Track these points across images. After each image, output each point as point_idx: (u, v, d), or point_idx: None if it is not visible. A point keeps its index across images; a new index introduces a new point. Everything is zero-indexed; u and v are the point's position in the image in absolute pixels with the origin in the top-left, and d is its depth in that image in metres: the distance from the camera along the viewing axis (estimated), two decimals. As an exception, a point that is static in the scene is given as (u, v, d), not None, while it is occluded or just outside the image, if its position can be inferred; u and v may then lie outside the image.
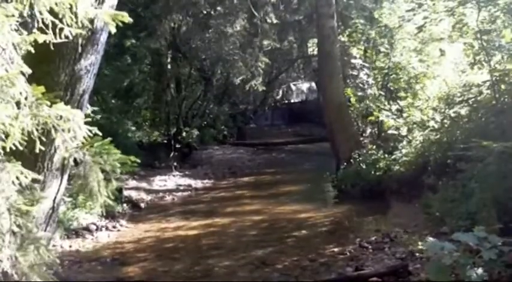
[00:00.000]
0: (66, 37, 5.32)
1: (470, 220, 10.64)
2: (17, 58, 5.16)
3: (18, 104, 5.30)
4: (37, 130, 5.68)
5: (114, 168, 7.47)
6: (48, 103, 5.36)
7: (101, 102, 20.67)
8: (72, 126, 6.14)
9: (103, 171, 6.80)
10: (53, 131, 6.10)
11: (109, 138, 6.97)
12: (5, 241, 5.94)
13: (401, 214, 14.21)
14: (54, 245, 12.03)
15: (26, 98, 5.26)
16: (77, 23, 5.32)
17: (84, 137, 6.22)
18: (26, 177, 6.02)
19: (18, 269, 6.28)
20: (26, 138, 5.93)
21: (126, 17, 5.40)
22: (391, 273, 10.28)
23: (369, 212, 14.78)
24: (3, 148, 5.80)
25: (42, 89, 5.17)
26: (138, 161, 8.86)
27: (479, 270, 7.98)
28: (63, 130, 5.95)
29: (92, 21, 5.64)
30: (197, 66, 26.18)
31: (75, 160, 6.46)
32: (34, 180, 6.59)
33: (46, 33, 5.12)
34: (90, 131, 6.08)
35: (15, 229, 6.18)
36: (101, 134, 6.84)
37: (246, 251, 12.47)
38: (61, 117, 5.80)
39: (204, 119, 26.59)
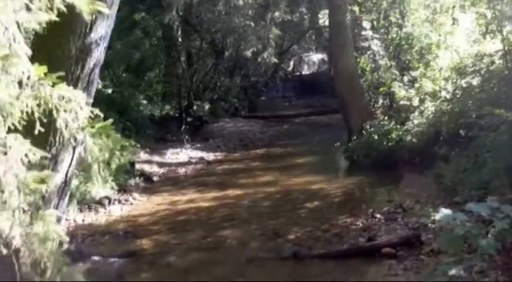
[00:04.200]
0: (75, 11, 5.30)
1: (482, 190, 10.64)
2: (20, 37, 5.14)
3: (20, 83, 5.30)
4: (42, 109, 5.69)
5: (113, 151, 7.52)
6: (51, 83, 5.34)
7: (112, 76, 20.66)
8: (74, 106, 6.15)
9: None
10: (54, 112, 6.11)
11: (110, 120, 6.98)
12: (15, 219, 5.97)
13: (414, 184, 14.19)
14: (67, 219, 12.08)
15: (28, 78, 5.25)
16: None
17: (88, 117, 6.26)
18: (34, 154, 6.04)
19: (28, 245, 6.32)
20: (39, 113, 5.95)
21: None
22: (403, 243, 10.31)
23: (381, 182, 14.77)
24: (13, 125, 5.83)
25: (44, 68, 5.15)
26: (138, 145, 8.89)
27: (492, 240, 7.98)
28: (64, 111, 5.97)
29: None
30: (208, 39, 26.06)
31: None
32: (45, 156, 6.62)
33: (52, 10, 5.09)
34: (92, 111, 6.09)
35: (25, 207, 6.22)
36: (102, 115, 6.85)
37: (258, 222, 12.51)
38: (63, 97, 5.81)
39: (215, 92, 26.53)
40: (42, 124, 6.38)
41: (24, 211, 6.24)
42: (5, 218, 5.85)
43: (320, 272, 9.80)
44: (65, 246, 7.28)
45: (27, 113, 5.87)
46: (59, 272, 6.87)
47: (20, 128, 6.01)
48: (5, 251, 5.97)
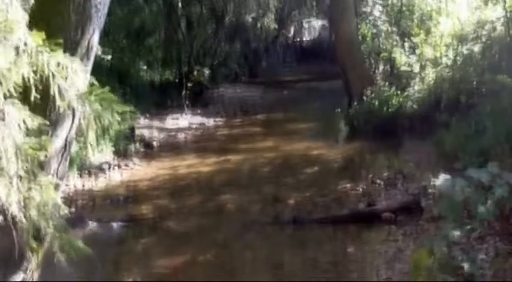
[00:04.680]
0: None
1: (483, 156, 10.62)
2: (17, 3, 5.09)
3: (17, 50, 5.26)
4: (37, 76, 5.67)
5: (113, 118, 7.49)
6: (48, 50, 5.29)
7: (112, 43, 20.54)
8: (71, 73, 6.11)
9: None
10: (50, 78, 6.08)
11: (107, 87, 6.95)
12: (12, 185, 5.97)
13: (414, 151, 14.20)
14: (67, 185, 12.08)
15: (25, 45, 5.21)
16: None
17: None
18: (32, 121, 6.02)
19: (26, 212, 6.32)
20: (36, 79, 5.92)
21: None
22: (403, 208, 10.34)
23: (381, 148, 14.77)
24: (10, 91, 5.80)
25: (42, 35, 5.10)
26: (136, 110, 8.85)
27: (491, 207, 7.99)
28: (61, 77, 5.94)
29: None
30: (208, 5, 25.90)
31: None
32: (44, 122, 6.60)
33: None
34: (90, 78, 6.07)
35: (23, 173, 6.21)
36: (97, 84, 6.82)
37: (258, 187, 12.53)
38: (59, 64, 5.77)
39: (215, 58, 26.42)
40: (41, 90, 6.37)
41: (21, 178, 6.24)
42: (2, 185, 5.84)
43: (319, 237, 9.85)
44: (65, 211, 7.29)
45: (24, 79, 5.84)
46: (57, 239, 6.89)
47: (17, 94, 6.00)
48: (1, 218, 5.97)
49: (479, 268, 7.27)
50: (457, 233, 7.77)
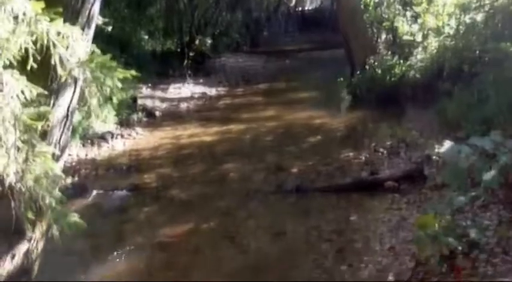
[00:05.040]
0: None
1: (485, 125, 10.60)
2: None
3: (16, 19, 5.22)
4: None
5: (115, 85, 7.46)
6: (48, 19, 5.25)
7: (113, 12, 20.42)
8: (71, 42, 6.07)
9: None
10: (51, 48, 6.04)
11: (109, 54, 6.91)
12: (10, 156, 5.95)
13: (417, 120, 14.15)
14: (70, 154, 12.10)
15: (24, 14, 5.17)
16: None
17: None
18: (30, 91, 5.99)
19: (24, 183, 6.31)
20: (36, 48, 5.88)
21: None
22: (406, 177, 10.34)
23: (384, 117, 14.74)
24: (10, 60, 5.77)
25: (41, 4, 5.05)
26: (139, 74, 8.82)
27: (495, 175, 7.99)
28: (62, 46, 5.90)
29: None
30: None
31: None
32: (46, 91, 6.58)
33: None
34: (90, 47, 6.04)
35: (21, 144, 6.19)
36: (99, 52, 6.77)
37: (261, 156, 12.53)
38: (59, 33, 5.73)
39: (217, 27, 26.29)
40: (41, 59, 6.33)
41: (19, 148, 6.23)
42: (0, 156, 5.83)
43: (322, 206, 9.85)
44: (65, 182, 7.31)
45: (23, 49, 5.80)
46: (53, 211, 6.90)
47: (16, 64, 5.96)
48: (-1, 188, 5.97)
49: (484, 235, 7.27)
50: (460, 201, 7.77)
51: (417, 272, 7.05)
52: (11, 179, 5.94)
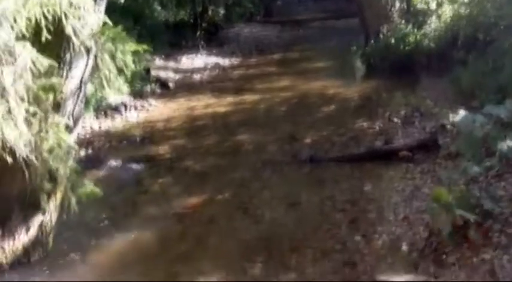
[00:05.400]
0: None
1: (501, 93, 10.54)
2: None
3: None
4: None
5: (127, 56, 7.46)
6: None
7: (126, -17, 20.35)
8: (83, 13, 6.07)
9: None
10: (63, 19, 6.04)
11: (121, 26, 6.91)
12: (21, 128, 5.98)
13: (431, 89, 14.07)
14: (83, 126, 12.13)
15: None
16: None
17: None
18: (41, 64, 6.00)
19: (37, 153, 6.35)
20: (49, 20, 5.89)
21: None
22: (420, 146, 10.31)
23: (398, 86, 14.66)
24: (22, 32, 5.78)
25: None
26: (151, 50, 8.79)
27: (510, 143, 7.95)
28: (73, 17, 5.90)
29: None
30: None
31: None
32: (59, 63, 6.59)
33: None
34: (102, 18, 6.04)
35: (32, 116, 6.22)
36: (112, 23, 6.76)
37: (275, 126, 12.51)
38: (71, 4, 5.73)
39: (230, -4, 26.19)
40: (54, 31, 6.34)
41: (31, 121, 6.25)
42: (11, 128, 5.86)
43: (336, 175, 9.85)
44: (82, 152, 7.34)
45: (36, 21, 5.81)
46: (69, 180, 6.94)
47: (29, 36, 5.98)
48: (10, 160, 6.00)
49: (498, 206, 7.25)
50: (475, 170, 7.76)
51: (431, 242, 7.06)
52: (22, 150, 5.99)
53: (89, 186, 7.38)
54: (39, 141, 6.30)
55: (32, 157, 6.21)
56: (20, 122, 5.92)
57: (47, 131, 6.39)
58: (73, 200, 6.94)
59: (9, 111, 5.86)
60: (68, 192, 6.94)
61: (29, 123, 6.15)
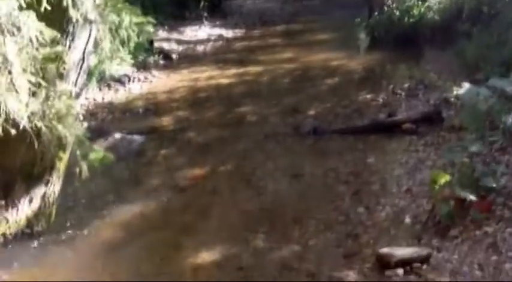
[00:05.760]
0: None
1: (505, 66, 10.52)
2: None
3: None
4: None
5: (129, 28, 7.43)
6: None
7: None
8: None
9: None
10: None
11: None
12: (23, 99, 5.97)
13: (435, 61, 14.01)
14: (86, 98, 12.13)
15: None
16: None
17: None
18: (44, 34, 5.97)
19: (46, 121, 6.34)
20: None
21: None
22: (424, 119, 10.31)
23: (402, 59, 14.61)
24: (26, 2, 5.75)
25: None
26: (154, 21, 8.72)
27: (514, 117, 7.95)
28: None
29: None
30: None
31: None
32: (62, 34, 6.56)
33: None
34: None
35: (36, 87, 6.21)
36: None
37: (278, 98, 12.48)
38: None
39: (233, -33, 26.01)
40: (55, 1, 6.31)
41: (39, 87, 6.25)
42: (15, 98, 5.85)
43: (340, 147, 9.85)
44: (85, 124, 7.33)
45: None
46: (80, 147, 6.94)
47: (31, 6, 5.94)
48: (13, 132, 6.00)
49: (500, 180, 7.26)
50: (478, 144, 7.75)
51: (434, 214, 7.06)
52: (26, 122, 5.98)
53: (100, 151, 7.40)
54: (47, 108, 6.29)
55: (40, 126, 6.21)
56: (24, 93, 5.91)
57: (53, 99, 6.38)
58: (84, 167, 6.95)
59: (13, 83, 5.85)
60: (79, 159, 6.94)
61: (34, 94, 6.14)
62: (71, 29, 6.86)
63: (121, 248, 7.25)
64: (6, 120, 5.84)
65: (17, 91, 5.83)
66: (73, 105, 6.69)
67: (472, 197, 6.71)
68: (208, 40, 18.77)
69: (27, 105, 5.98)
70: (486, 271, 5.97)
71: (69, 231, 7.54)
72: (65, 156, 7.31)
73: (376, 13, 17.08)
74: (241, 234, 7.39)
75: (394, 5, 16.64)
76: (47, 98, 6.38)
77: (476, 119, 8.18)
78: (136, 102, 12.96)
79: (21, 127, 5.98)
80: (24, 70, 5.94)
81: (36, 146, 6.52)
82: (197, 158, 9.91)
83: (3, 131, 5.89)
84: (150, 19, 7.79)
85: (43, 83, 6.25)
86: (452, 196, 6.83)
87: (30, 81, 6.01)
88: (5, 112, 5.76)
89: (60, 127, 6.52)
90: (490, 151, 8.19)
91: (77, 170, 6.94)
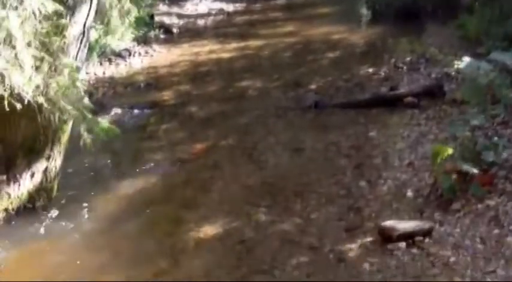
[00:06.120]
0: None
1: (507, 41, 10.50)
2: None
3: None
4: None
5: (129, 2, 7.38)
6: None
7: None
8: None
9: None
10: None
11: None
12: (28, 73, 5.95)
13: (437, 35, 13.96)
14: (87, 73, 12.08)
15: None
16: None
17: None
18: (46, 7, 5.94)
19: (49, 96, 6.33)
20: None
21: None
22: (426, 93, 10.29)
23: (403, 33, 14.48)
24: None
25: None
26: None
27: (515, 91, 7.94)
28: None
29: None
30: None
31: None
32: (62, 7, 6.53)
33: None
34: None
35: (39, 61, 6.18)
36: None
37: (279, 72, 12.45)
38: None
39: None
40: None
41: (42, 61, 6.23)
42: (18, 73, 5.84)
43: (341, 121, 9.83)
44: (86, 98, 7.31)
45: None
46: (84, 121, 6.93)
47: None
48: (19, 106, 5.98)
49: (502, 154, 7.26)
50: (480, 118, 7.74)
51: (436, 188, 7.07)
52: (30, 96, 5.97)
53: (105, 123, 7.39)
54: (51, 82, 6.28)
55: (43, 99, 6.19)
56: (27, 67, 5.89)
57: (57, 73, 6.37)
58: (88, 141, 6.94)
59: (17, 57, 5.83)
60: (83, 133, 6.93)
61: (37, 67, 6.12)
62: (71, 2, 6.84)
63: (123, 222, 7.26)
64: (11, 94, 5.83)
65: (21, 65, 5.81)
66: (77, 78, 6.67)
67: (475, 170, 6.70)
68: (209, 14, 18.68)
69: (30, 79, 5.96)
70: (488, 244, 5.98)
71: (71, 205, 7.54)
72: (67, 131, 7.31)
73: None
74: (243, 208, 7.39)
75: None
76: (51, 71, 6.37)
77: (477, 93, 8.17)
78: (137, 76, 12.94)
79: (25, 102, 5.97)
80: (28, 44, 5.92)
81: (39, 120, 6.52)
82: (198, 132, 9.89)
83: (8, 105, 5.88)
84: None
85: (46, 57, 6.23)
86: (455, 170, 6.82)
87: (34, 56, 5.99)
88: (10, 86, 5.75)
89: (63, 101, 6.51)
90: (492, 125, 8.18)
91: (81, 143, 6.92)
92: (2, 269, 6.30)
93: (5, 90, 5.72)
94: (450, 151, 6.93)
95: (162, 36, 15.92)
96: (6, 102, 5.81)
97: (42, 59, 6.22)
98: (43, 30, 6.17)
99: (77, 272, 6.28)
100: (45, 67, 6.30)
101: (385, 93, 10.68)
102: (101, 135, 7.14)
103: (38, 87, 6.15)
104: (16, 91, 5.83)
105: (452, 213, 6.59)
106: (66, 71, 6.45)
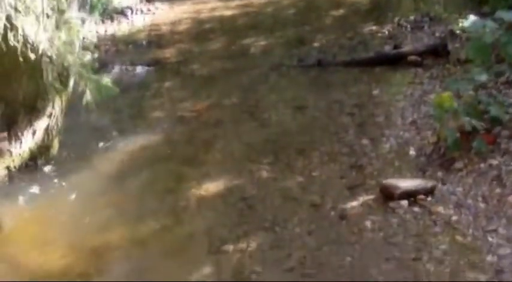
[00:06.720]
0: None
1: (513, 0, 10.36)
2: None
3: None
4: None
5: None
6: None
7: None
8: None
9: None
10: None
11: None
12: (40, 23, 5.93)
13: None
14: (89, 31, 12.01)
15: None
16: None
17: None
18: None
19: (54, 49, 6.30)
20: None
21: None
22: (429, 51, 10.20)
23: (407, -9, 14.43)
24: None
25: None
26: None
27: (522, 48, 7.84)
28: None
29: None
30: None
31: None
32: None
33: None
34: None
35: (49, 11, 6.15)
36: None
37: (283, 30, 12.39)
38: None
39: None
40: None
41: (48, 16, 6.19)
42: (30, 23, 5.81)
43: (344, 80, 9.80)
44: (88, 56, 7.28)
45: None
46: (85, 79, 6.91)
47: None
48: (33, 56, 5.97)
49: (506, 112, 7.22)
50: (484, 76, 7.68)
51: (439, 146, 7.05)
52: (44, 45, 5.95)
53: (105, 81, 7.36)
54: (56, 36, 6.26)
55: (50, 52, 6.17)
56: (40, 17, 5.87)
57: (63, 26, 6.35)
58: (89, 98, 6.92)
59: (27, 7, 5.80)
60: (84, 90, 6.91)
61: (47, 19, 6.09)
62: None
63: (125, 179, 7.25)
64: (24, 44, 5.81)
65: (33, 14, 5.78)
66: (79, 32, 6.64)
67: (479, 125, 6.68)
68: (211, -29, 18.51)
69: (45, 29, 5.93)
70: (490, 203, 5.96)
71: (73, 163, 7.54)
72: (69, 89, 7.28)
73: None
74: (245, 166, 7.38)
75: None
76: (57, 25, 6.35)
77: (482, 52, 8.07)
78: (139, 34, 12.90)
79: (40, 52, 5.94)
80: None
81: (41, 77, 6.50)
82: (201, 90, 9.87)
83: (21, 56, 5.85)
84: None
85: (55, 9, 6.21)
86: (458, 128, 6.79)
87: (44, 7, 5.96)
88: (23, 36, 5.73)
89: (69, 55, 6.49)
90: (496, 84, 8.13)
91: (83, 101, 6.91)
92: (4, 227, 6.30)
93: (18, 42, 5.69)
94: (453, 101, 6.89)
95: (163, -9, 15.81)
96: (19, 52, 5.78)
97: (53, 9, 6.19)
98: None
99: (80, 231, 6.29)
100: (53, 19, 6.27)
101: (388, 51, 10.60)
102: (102, 94, 7.12)
103: (49, 40, 6.14)
104: (30, 41, 5.80)
105: (455, 172, 6.57)
106: (68, 25, 6.42)
